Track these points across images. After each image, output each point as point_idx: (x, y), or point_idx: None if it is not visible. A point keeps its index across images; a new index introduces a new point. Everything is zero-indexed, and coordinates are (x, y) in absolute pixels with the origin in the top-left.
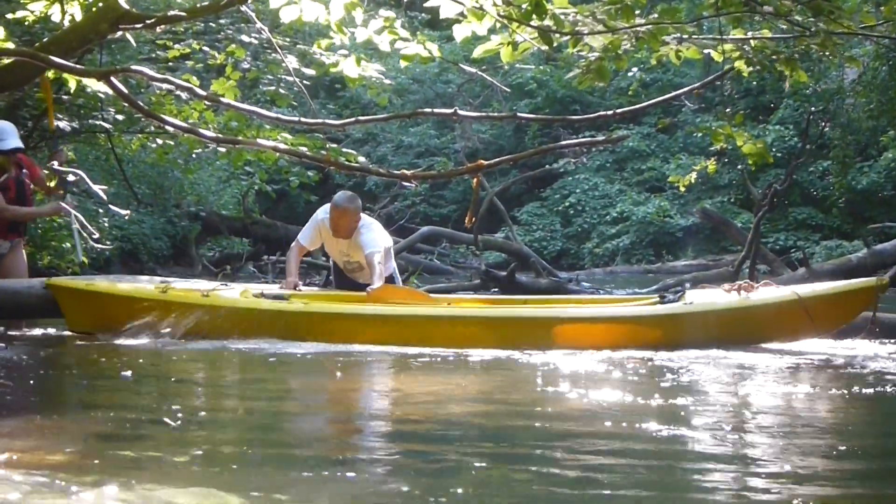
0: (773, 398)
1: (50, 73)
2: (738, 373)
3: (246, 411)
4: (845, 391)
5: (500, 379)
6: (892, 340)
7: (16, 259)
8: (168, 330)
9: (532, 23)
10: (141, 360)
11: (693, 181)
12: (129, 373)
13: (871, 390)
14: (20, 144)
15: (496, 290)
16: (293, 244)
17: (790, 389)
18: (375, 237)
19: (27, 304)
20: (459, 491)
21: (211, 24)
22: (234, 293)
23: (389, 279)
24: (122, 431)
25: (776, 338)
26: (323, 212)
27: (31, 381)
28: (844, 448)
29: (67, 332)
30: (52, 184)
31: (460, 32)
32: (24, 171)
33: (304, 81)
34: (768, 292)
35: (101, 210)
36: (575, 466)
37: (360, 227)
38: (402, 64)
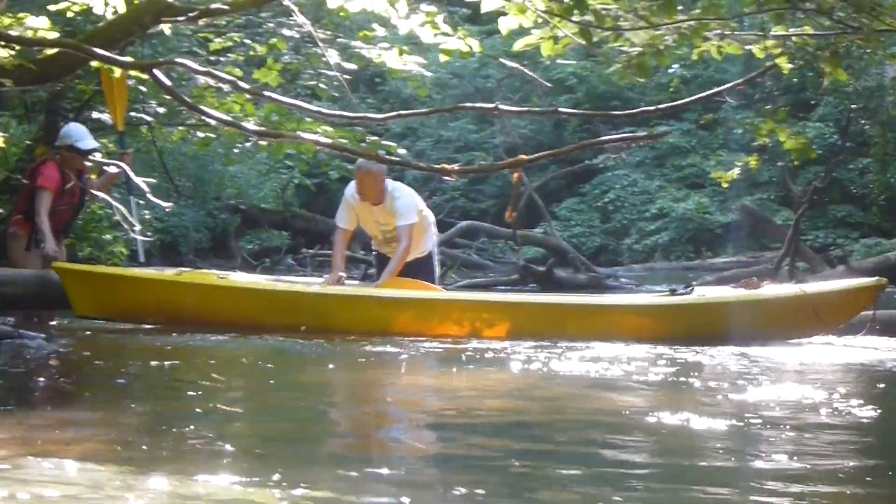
0: (782, 393)
1: (95, 64)
2: (755, 369)
3: (279, 404)
4: (856, 387)
5: (530, 372)
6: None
7: (61, 258)
8: (182, 312)
9: (573, 18)
10: (167, 352)
11: (736, 177)
12: (159, 365)
13: (879, 386)
14: (98, 145)
15: (534, 285)
16: (335, 234)
17: (798, 385)
18: (410, 205)
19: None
20: (495, 486)
21: (252, 17)
22: (251, 277)
23: (428, 258)
24: (156, 424)
25: (783, 332)
26: (348, 189)
27: (65, 373)
28: (865, 446)
29: (106, 324)
30: (94, 176)
31: (506, 24)
32: (84, 174)
33: (345, 76)
34: (775, 289)
35: (141, 202)
36: (607, 462)
37: (391, 191)
38: (442, 58)
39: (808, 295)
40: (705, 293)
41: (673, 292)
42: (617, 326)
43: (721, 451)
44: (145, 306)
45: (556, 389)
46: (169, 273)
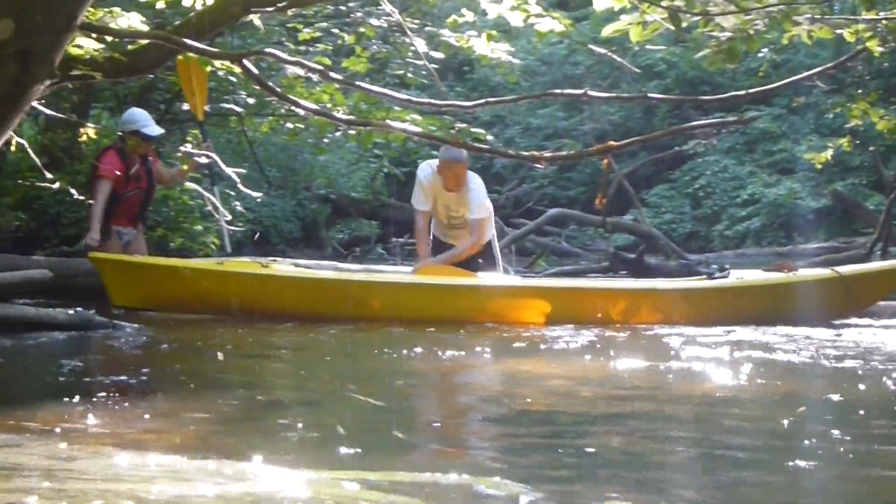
0: (825, 379)
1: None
2: (815, 350)
3: (358, 392)
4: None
5: (589, 359)
6: None
7: (140, 245)
8: (223, 302)
9: (662, 3)
10: (253, 342)
11: (829, 158)
12: (245, 355)
13: None
14: (163, 131)
15: (624, 272)
16: (416, 218)
17: (833, 371)
18: (483, 198)
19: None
20: (583, 473)
21: (341, 6)
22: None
23: (488, 246)
24: (243, 415)
25: (817, 313)
26: (421, 171)
27: (155, 363)
28: None
29: (194, 316)
30: (185, 167)
31: (600, 4)
32: (150, 158)
33: (433, 64)
34: (809, 271)
35: (232, 193)
36: (702, 446)
37: (467, 181)
38: (535, 40)
39: (841, 276)
40: (743, 276)
41: (710, 276)
42: (655, 310)
43: (815, 435)
44: (186, 296)
45: (634, 376)
46: (210, 262)
